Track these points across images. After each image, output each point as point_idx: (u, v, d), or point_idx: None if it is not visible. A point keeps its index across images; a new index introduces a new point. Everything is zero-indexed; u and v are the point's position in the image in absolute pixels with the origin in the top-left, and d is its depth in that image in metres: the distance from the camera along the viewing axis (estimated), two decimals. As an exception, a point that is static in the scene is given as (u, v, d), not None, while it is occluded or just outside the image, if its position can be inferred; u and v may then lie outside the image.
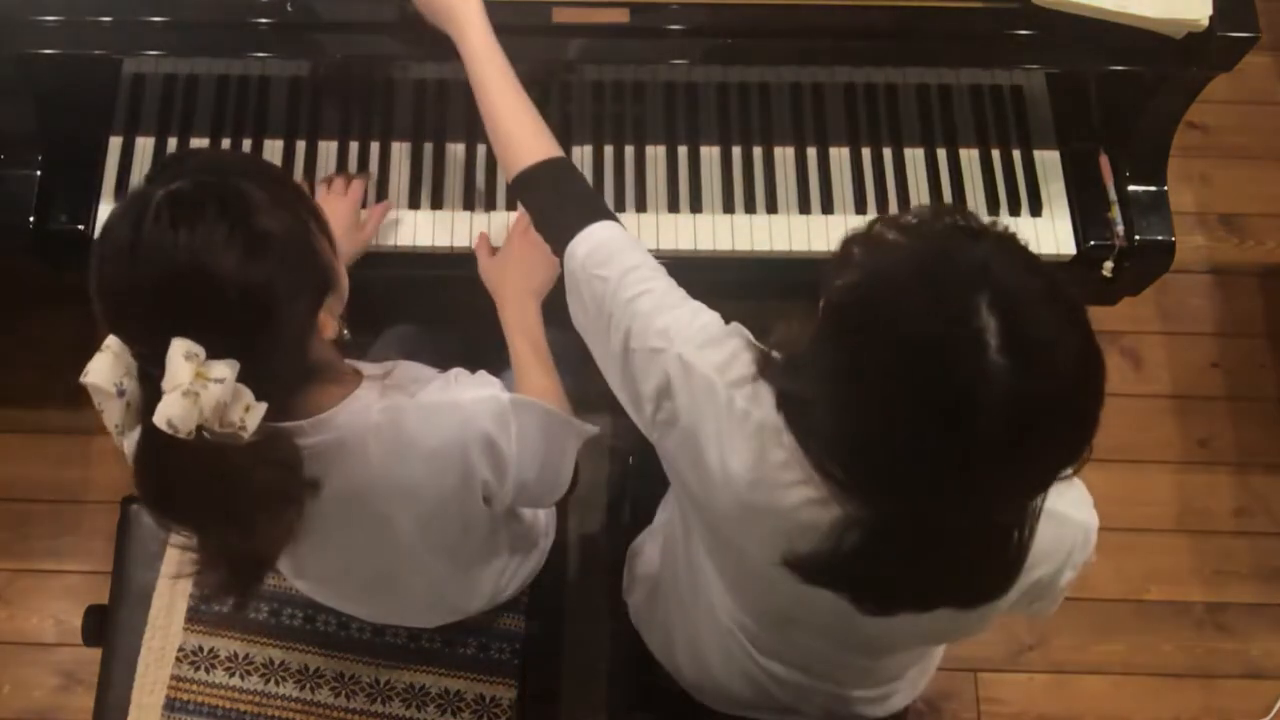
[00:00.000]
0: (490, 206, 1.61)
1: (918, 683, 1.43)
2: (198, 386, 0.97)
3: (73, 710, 2.04)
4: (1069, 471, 0.93)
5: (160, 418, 0.96)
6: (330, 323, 1.13)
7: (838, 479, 0.97)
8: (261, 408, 1.01)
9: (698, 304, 1.19)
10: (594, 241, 1.24)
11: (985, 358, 0.84)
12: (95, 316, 1.03)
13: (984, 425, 0.85)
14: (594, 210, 1.27)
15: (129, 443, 1.05)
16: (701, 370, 1.10)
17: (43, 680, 2.07)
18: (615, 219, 1.27)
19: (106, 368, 1.01)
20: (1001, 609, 1.11)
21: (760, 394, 1.06)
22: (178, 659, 1.56)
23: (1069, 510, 1.10)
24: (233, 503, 1.05)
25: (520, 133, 1.32)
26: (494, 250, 1.56)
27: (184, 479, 1.02)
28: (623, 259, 1.22)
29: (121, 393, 1.01)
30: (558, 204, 1.29)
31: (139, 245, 0.99)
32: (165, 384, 0.97)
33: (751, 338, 1.13)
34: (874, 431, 0.91)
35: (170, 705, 1.54)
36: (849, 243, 0.98)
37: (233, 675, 1.55)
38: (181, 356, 0.97)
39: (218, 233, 1.00)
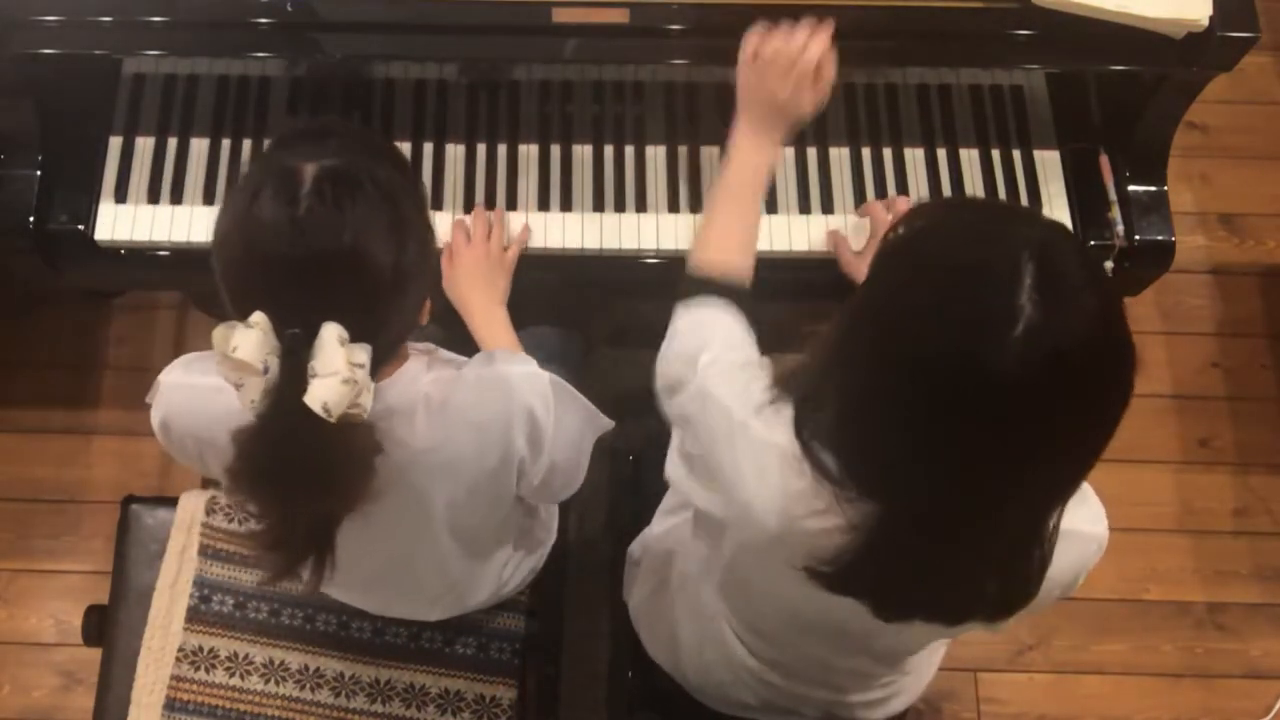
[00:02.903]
0: (489, 207, 1.60)
1: (916, 688, 1.43)
2: (356, 375, 0.99)
3: (73, 710, 2.04)
4: (1089, 464, 0.93)
5: (315, 401, 0.98)
6: (427, 308, 1.16)
7: (858, 481, 0.98)
8: (373, 388, 1.05)
9: (753, 359, 1.20)
10: (698, 315, 1.27)
11: (1019, 290, 0.86)
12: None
13: (1009, 369, 0.85)
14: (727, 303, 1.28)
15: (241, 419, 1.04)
16: (719, 399, 1.11)
17: (43, 680, 2.07)
18: (742, 321, 1.28)
19: (255, 345, 0.99)
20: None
21: (777, 420, 1.06)
22: (178, 659, 1.56)
23: (1083, 527, 1.09)
24: (339, 474, 1.07)
25: (730, 241, 1.34)
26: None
27: (310, 456, 1.03)
28: (712, 333, 1.24)
29: (266, 370, 1.00)
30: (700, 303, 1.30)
31: (300, 221, 1.00)
32: (320, 367, 0.99)
33: (771, 364, 1.14)
34: (896, 392, 0.91)
35: (170, 705, 1.55)
36: (910, 213, 1.00)
37: (233, 675, 1.55)
38: (336, 341, 0.99)
39: (380, 215, 1.02)
